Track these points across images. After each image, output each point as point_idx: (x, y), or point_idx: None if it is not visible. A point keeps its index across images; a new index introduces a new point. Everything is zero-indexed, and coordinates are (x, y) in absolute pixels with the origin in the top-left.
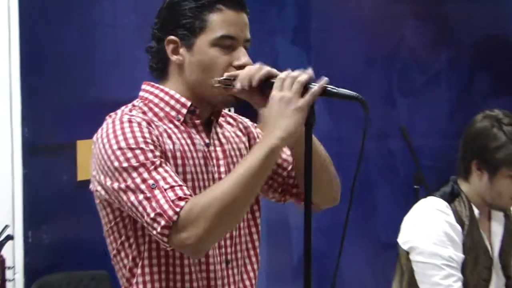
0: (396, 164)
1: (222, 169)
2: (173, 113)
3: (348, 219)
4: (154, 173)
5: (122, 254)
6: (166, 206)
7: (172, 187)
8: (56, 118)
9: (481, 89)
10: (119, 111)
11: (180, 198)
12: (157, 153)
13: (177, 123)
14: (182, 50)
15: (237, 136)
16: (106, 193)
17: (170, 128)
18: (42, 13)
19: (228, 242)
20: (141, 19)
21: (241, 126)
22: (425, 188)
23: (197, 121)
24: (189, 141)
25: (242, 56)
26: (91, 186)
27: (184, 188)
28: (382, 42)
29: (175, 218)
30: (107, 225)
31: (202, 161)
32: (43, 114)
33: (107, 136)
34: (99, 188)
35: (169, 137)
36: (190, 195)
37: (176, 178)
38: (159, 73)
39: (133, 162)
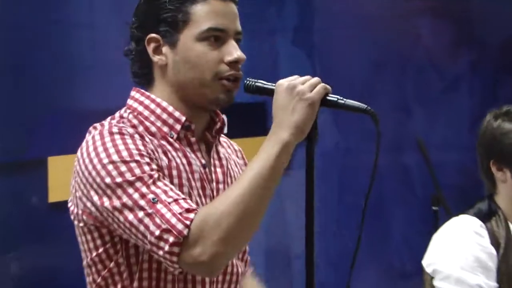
0: (412, 181)
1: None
2: (165, 128)
3: (359, 245)
4: (153, 187)
5: (109, 281)
6: (174, 220)
7: (175, 200)
8: (24, 132)
9: (506, 95)
10: (105, 122)
11: (188, 210)
12: (154, 166)
13: (170, 139)
14: (165, 49)
15: (236, 159)
16: (100, 213)
17: (163, 145)
18: (7, 13)
19: (220, 277)
20: (123, 18)
21: (234, 147)
22: (445, 209)
23: (192, 139)
24: (184, 161)
25: (233, 50)
26: (71, 208)
27: (189, 201)
28: (394, 43)
29: (185, 232)
30: (91, 253)
31: (199, 184)
32: (8, 127)
33: (95, 150)
34: (91, 208)
35: (165, 153)
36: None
37: (178, 192)
38: (143, 79)
39: (128, 176)
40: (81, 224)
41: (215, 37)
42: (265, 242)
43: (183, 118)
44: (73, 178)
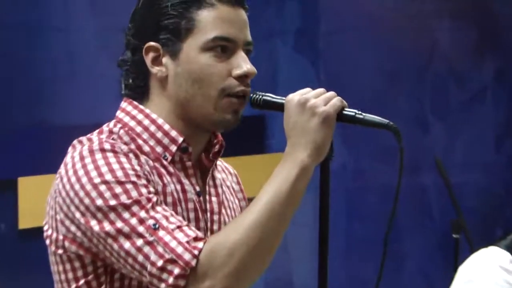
0: (430, 205)
1: (215, 226)
2: (159, 149)
3: (380, 278)
4: (152, 212)
5: None
6: (180, 249)
7: (179, 227)
8: None
9: None
10: (94, 137)
11: (196, 239)
12: (152, 189)
13: (164, 162)
14: (165, 60)
15: (230, 185)
16: (88, 239)
17: (157, 168)
18: None
19: None
20: (102, 21)
21: (229, 170)
22: (467, 237)
23: (188, 163)
24: (179, 187)
25: (242, 62)
26: (47, 232)
27: (194, 228)
28: (410, 48)
29: (193, 263)
30: (69, 284)
31: (192, 215)
32: None
33: (83, 167)
34: (76, 232)
35: (159, 176)
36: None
37: (180, 218)
38: (138, 93)
39: (124, 199)
40: (60, 251)
41: (222, 47)
42: (264, 272)
43: (180, 139)
44: (52, 198)
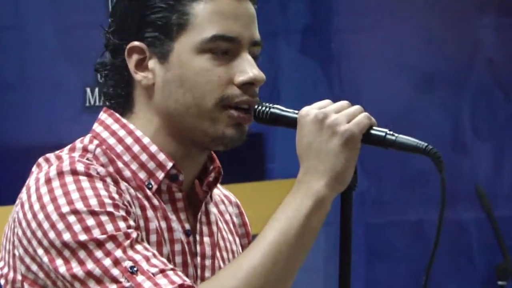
0: (470, 246)
1: (207, 273)
2: (142, 175)
3: None
4: (130, 251)
5: None
6: None
7: (162, 270)
8: None
9: None
10: (64, 155)
11: (182, 287)
12: (132, 223)
13: (148, 192)
14: (152, 63)
15: (229, 219)
16: (52, 281)
17: (139, 198)
18: None
19: None
20: (62, 17)
21: (230, 199)
22: None
23: (178, 194)
24: (164, 225)
25: (248, 66)
26: (3, 269)
27: (180, 273)
28: (445, 50)
29: None
30: None
31: (179, 259)
32: None
33: (50, 192)
34: (38, 273)
35: (142, 209)
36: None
37: (163, 259)
38: (119, 103)
39: (97, 233)
40: None
41: (223, 49)
42: None
43: (170, 164)
44: (10, 228)
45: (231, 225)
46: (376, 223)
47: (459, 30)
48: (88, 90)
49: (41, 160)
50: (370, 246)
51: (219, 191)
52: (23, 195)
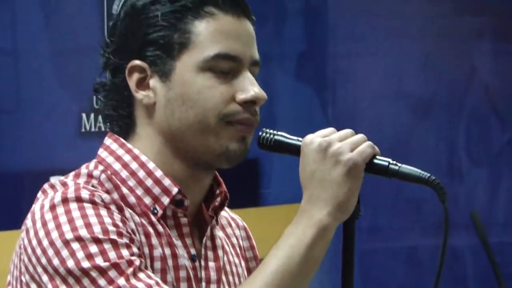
0: (465, 272)
1: None
2: (147, 200)
3: None
4: (133, 280)
5: None
6: None
7: None
8: None
9: None
10: (69, 182)
11: None
12: (135, 250)
13: (152, 218)
14: (153, 82)
15: (236, 242)
16: None
17: (144, 225)
18: None
19: None
20: (58, 43)
21: (238, 223)
22: None
23: (183, 219)
24: (168, 251)
25: (249, 85)
26: None
27: None
28: (442, 76)
29: None
30: None
31: (184, 285)
32: None
33: (54, 219)
34: None
35: (146, 236)
36: None
37: (166, 287)
38: (121, 126)
39: (100, 261)
40: None
41: (225, 66)
42: None
43: (175, 190)
44: (17, 255)
45: (237, 249)
46: (370, 249)
47: (456, 56)
48: (84, 115)
49: (46, 186)
50: (364, 272)
51: (226, 214)
52: (28, 221)
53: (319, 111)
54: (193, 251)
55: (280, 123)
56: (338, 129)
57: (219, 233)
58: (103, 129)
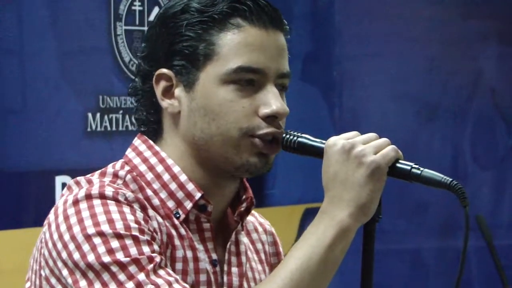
0: (471, 274)
1: None
2: (170, 203)
3: None
4: (153, 276)
5: None
6: None
7: None
8: None
9: None
10: (94, 179)
11: None
12: (156, 248)
13: (175, 221)
14: (178, 91)
15: (261, 248)
16: None
17: (167, 227)
18: None
19: None
20: (64, 43)
21: (265, 227)
22: None
23: (206, 224)
24: (190, 254)
25: (272, 99)
26: None
27: None
28: (447, 79)
29: None
30: None
31: None
32: None
33: (77, 214)
34: (57, 287)
35: (169, 236)
36: None
37: (186, 285)
38: (151, 130)
39: (121, 256)
40: None
41: (248, 80)
42: None
43: (198, 195)
44: (37, 249)
45: (262, 255)
46: (375, 251)
47: (461, 59)
48: (90, 115)
49: (71, 182)
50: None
51: (254, 218)
52: (50, 215)
53: (325, 113)
54: (214, 256)
55: (286, 125)
56: (344, 131)
57: (243, 239)
58: (109, 128)
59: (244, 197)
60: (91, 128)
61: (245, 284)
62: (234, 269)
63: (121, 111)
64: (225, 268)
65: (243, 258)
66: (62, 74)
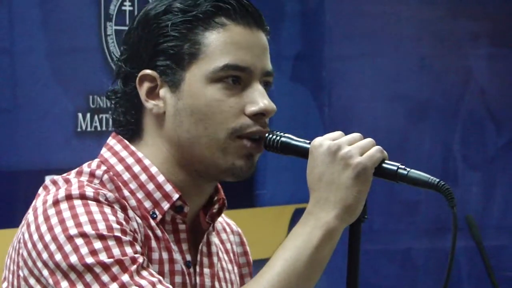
0: (460, 275)
1: None
2: (147, 204)
3: None
4: (137, 277)
5: None
6: None
7: None
8: None
9: None
10: (72, 179)
11: None
12: (138, 248)
13: (152, 222)
14: (163, 92)
15: (230, 248)
16: None
17: (144, 227)
18: None
19: None
20: (54, 42)
21: (232, 228)
22: None
23: (182, 226)
24: (166, 256)
25: (258, 97)
26: None
27: None
28: (437, 80)
29: None
30: None
31: None
32: None
33: (57, 214)
34: (36, 287)
35: (146, 238)
36: None
37: (170, 286)
38: (128, 131)
39: (104, 257)
40: None
41: (234, 78)
42: None
43: (176, 196)
44: (14, 249)
45: (231, 255)
46: (364, 251)
47: (452, 59)
48: (80, 115)
49: (48, 182)
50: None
51: (222, 219)
52: (29, 216)
53: (315, 112)
54: (188, 257)
55: (276, 125)
56: (334, 131)
57: (214, 239)
58: (99, 128)
59: (216, 198)
60: (81, 128)
61: (217, 285)
62: (206, 270)
63: (111, 111)
64: (198, 269)
65: (215, 259)
66: (53, 73)
